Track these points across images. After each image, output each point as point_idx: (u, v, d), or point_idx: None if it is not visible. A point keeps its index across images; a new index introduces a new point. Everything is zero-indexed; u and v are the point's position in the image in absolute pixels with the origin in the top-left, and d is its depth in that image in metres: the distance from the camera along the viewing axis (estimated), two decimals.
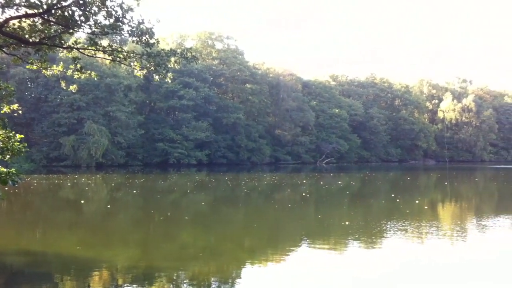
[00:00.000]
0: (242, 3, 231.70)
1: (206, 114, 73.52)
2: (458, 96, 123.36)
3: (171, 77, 15.98)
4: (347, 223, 16.02)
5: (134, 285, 9.15)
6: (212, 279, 9.75)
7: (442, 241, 13.15)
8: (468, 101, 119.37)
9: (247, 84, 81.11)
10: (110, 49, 14.69)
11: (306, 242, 13.31)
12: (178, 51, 15.44)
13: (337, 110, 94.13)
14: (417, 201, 24.06)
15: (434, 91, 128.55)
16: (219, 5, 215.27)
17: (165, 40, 76.01)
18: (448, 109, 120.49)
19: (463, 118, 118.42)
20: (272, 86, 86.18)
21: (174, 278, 9.75)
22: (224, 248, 12.86)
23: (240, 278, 9.83)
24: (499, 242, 13.21)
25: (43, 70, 14.77)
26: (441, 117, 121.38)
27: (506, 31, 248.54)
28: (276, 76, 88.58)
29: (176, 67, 15.69)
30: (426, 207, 21.75)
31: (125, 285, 9.25)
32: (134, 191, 28.67)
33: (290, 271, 10.19)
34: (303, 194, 27.80)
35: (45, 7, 12.54)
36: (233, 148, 76.11)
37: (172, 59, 14.86)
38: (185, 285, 9.34)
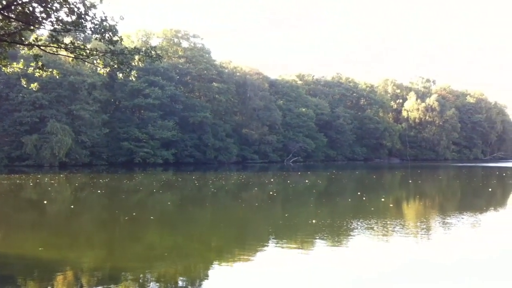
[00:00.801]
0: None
1: (173, 113, 72.93)
2: (421, 96, 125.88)
3: (135, 75, 15.77)
4: (314, 221, 16.10)
5: (99, 287, 8.97)
6: (179, 279, 9.64)
7: (407, 239, 13.35)
8: (432, 100, 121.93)
9: (214, 83, 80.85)
10: (72, 46, 14.41)
11: (273, 241, 13.31)
12: (143, 49, 15.26)
13: (304, 109, 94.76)
14: (382, 199, 24.40)
15: (398, 91, 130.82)
16: (200, 3, 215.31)
17: (130, 37, 75.12)
18: (412, 109, 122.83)
19: (427, 118, 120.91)
20: (239, 85, 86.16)
21: (140, 279, 9.60)
22: (191, 248, 12.75)
23: (208, 278, 9.76)
24: (463, 240, 13.49)
25: (3, 68, 14.38)
26: (405, 116, 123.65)
27: (468, 32, 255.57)
28: (243, 75, 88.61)
29: (140, 65, 15.50)
30: (391, 205, 22.07)
31: (90, 286, 9.06)
32: (99, 191, 28.21)
33: (258, 270, 10.16)
34: (270, 193, 27.84)
35: (4, 2, 12.21)
36: (200, 147, 75.74)
37: (136, 57, 14.67)
38: (151, 285, 9.20)
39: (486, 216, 18.14)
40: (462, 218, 17.22)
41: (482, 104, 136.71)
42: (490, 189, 31.10)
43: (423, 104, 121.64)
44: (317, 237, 13.55)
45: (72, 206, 21.67)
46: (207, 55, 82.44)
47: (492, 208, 21.30)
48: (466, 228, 15.09)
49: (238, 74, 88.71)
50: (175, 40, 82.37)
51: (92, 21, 13.71)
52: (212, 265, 10.73)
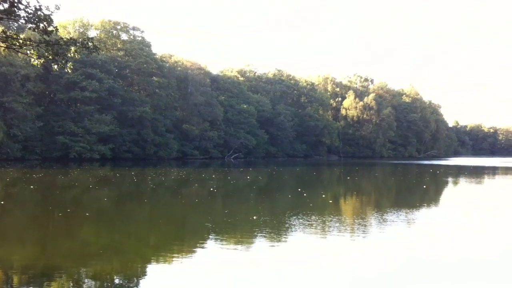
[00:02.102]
0: None
1: (111, 107, 71.14)
2: (360, 95, 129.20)
3: (71, 67, 15.28)
4: (254, 217, 16.14)
5: (31, 285, 8.58)
6: (115, 276, 9.39)
7: (345, 236, 13.61)
8: (369, 99, 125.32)
9: (154, 77, 79.59)
10: (4, 36, 13.76)
11: (212, 237, 13.22)
12: (79, 40, 14.77)
13: (245, 106, 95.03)
14: (323, 195, 24.82)
15: (337, 89, 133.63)
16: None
17: (66, 28, 72.67)
18: (350, 107, 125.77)
19: (364, 116, 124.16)
20: (180, 80, 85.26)
21: (75, 276, 9.27)
22: (128, 245, 12.45)
23: (145, 275, 9.55)
24: (399, 236, 13.88)
25: None
26: (344, 114, 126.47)
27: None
28: (184, 69, 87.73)
29: (76, 56, 15.02)
30: (331, 201, 22.46)
31: (21, 285, 8.65)
32: (32, 187, 27.11)
33: (196, 267, 10.05)
34: (211, 189, 27.73)
35: None
36: (139, 143, 74.41)
37: (72, 48, 14.16)
38: (86, 283, 8.91)
39: (420, 212, 18.78)
40: (399, 214, 17.76)
41: (417, 104, 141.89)
42: (424, 186, 32.31)
43: (361, 103, 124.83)
44: (258, 234, 13.58)
45: (2, 202, 20.70)
46: (147, 48, 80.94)
47: (425, 204, 22.11)
48: (402, 225, 15.56)
49: (179, 68, 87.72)
50: (114, 32, 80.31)
51: (26, 10, 13.13)
52: (150, 263, 10.52)
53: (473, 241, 13.07)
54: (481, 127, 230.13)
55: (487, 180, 40.60)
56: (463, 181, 39.02)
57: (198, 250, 11.75)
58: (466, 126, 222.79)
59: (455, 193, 30.12)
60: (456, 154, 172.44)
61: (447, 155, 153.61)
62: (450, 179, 40.88)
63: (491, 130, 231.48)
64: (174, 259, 10.78)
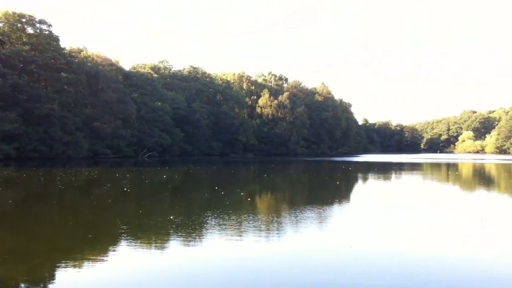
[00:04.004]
0: None
1: (15, 104, 67.22)
2: (274, 93, 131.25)
3: None
4: (171, 217, 15.76)
5: None
6: (21, 282, 8.72)
7: (261, 235, 13.60)
8: (284, 98, 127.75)
9: (62, 73, 76.14)
10: None
11: (126, 239, 12.69)
12: None
13: (159, 103, 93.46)
14: (241, 194, 24.77)
15: (253, 88, 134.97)
16: None
17: None
18: (265, 105, 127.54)
19: (279, 114, 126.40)
20: (91, 76, 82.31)
21: None
22: (36, 249, 11.65)
23: (54, 280, 8.94)
24: (313, 233, 14.08)
25: None
26: (259, 113, 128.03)
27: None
28: (95, 65, 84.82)
29: None
30: (249, 199, 22.46)
31: None
32: None
33: (109, 270, 9.58)
34: (124, 189, 26.88)
35: None
36: (46, 141, 70.88)
37: None
38: None
39: (333, 209, 19.20)
40: (313, 211, 18.05)
41: (329, 102, 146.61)
42: (337, 182, 33.25)
43: (276, 101, 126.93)
44: (174, 235, 13.23)
45: None
46: (55, 43, 77.26)
47: (338, 200, 22.70)
48: (316, 222, 15.79)
49: (89, 64, 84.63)
50: (19, 25, 75.89)
51: None
52: (59, 267, 9.87)
53: (384, 235, 13.50)
54: (389, 125, 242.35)
55: (394, 176, 42.58)
56: (373, 177, 40.62)
57: (111, 253, 11.22)
58: (375, 124, 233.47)
59: (366, 188, 31.25)
60: (366, 151, 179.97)
61: (357, 152, 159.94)
62: (360, 175, 42.44)
63: (398, 128, 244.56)
64: (85, 262, 10.20)
